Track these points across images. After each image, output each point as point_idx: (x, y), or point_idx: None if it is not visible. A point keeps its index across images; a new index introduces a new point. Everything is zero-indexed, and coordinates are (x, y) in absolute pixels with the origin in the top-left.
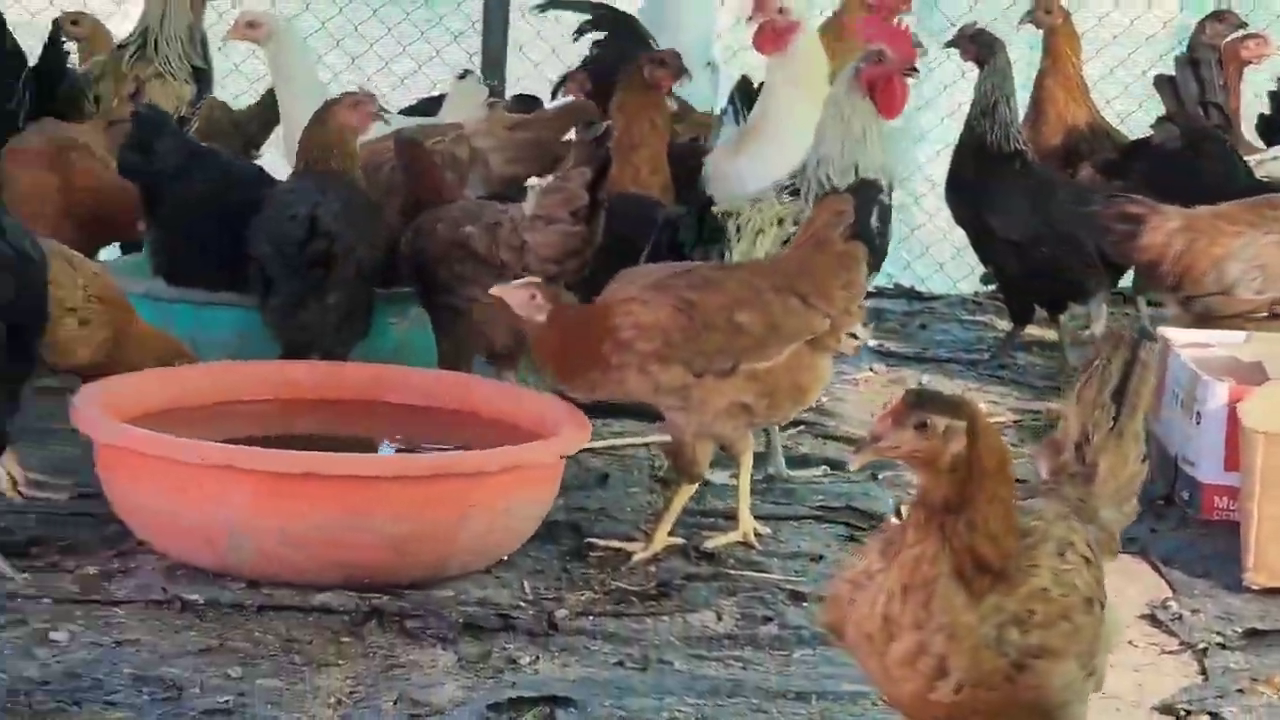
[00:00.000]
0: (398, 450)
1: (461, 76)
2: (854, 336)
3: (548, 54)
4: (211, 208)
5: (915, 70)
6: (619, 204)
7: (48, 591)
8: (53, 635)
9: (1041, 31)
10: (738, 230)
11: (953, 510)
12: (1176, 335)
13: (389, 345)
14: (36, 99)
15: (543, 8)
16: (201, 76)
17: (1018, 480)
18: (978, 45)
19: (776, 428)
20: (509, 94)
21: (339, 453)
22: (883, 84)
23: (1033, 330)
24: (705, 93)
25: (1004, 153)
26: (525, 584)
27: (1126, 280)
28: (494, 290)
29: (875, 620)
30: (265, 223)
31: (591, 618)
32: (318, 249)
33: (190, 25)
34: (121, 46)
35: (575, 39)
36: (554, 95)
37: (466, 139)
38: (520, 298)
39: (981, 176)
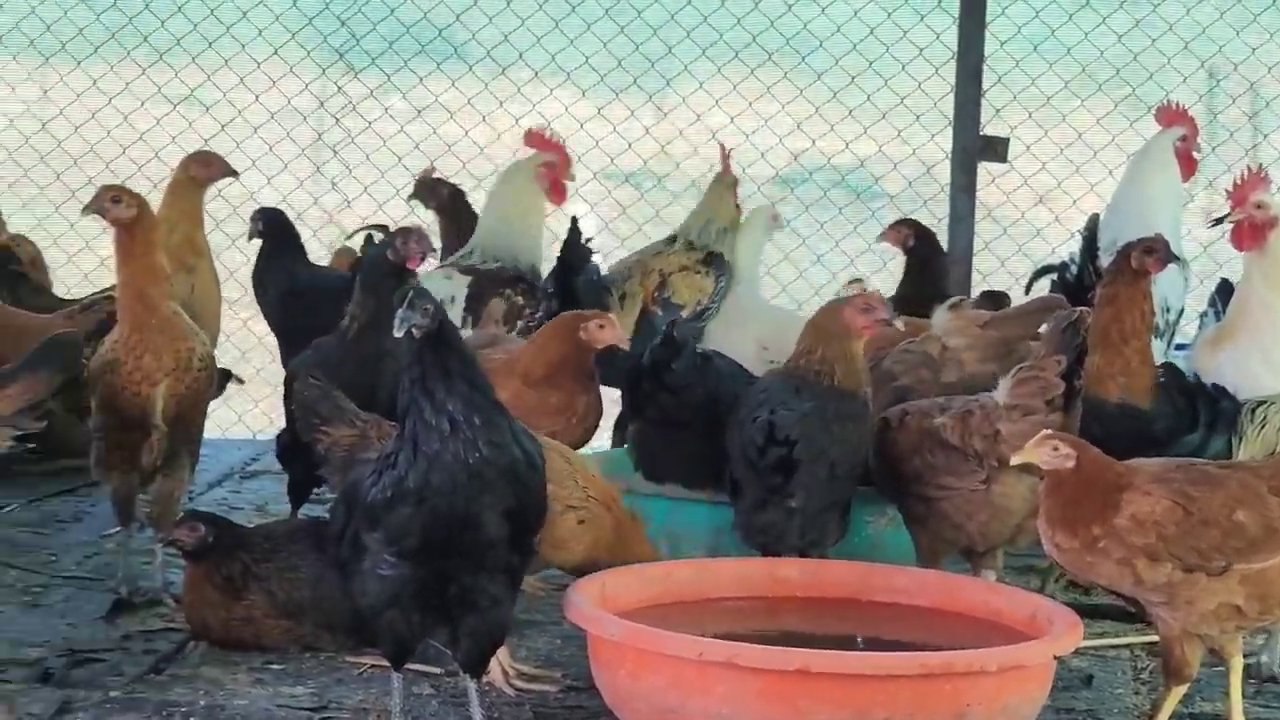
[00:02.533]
0: (872, 649)
1: None
2: None
3: (1013, 250)
4: (703, 412)
5: None
6: None
7: None
8: None
9: None
10: (1262, 423)
11: None
12: None
13: (864, 543)
14: (561, 293)
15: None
16: (722, 266)
17: None
18: None
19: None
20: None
21: (831, 650)
22: None
23: None
24: (1176, 288)
25: None
26: None
27: None
28: (1015, 458)
29: None
30: (734, 424)
31: None
32: (775, 455)
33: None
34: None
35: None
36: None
37: (938, 339)
38: (1043, 453)
39: None
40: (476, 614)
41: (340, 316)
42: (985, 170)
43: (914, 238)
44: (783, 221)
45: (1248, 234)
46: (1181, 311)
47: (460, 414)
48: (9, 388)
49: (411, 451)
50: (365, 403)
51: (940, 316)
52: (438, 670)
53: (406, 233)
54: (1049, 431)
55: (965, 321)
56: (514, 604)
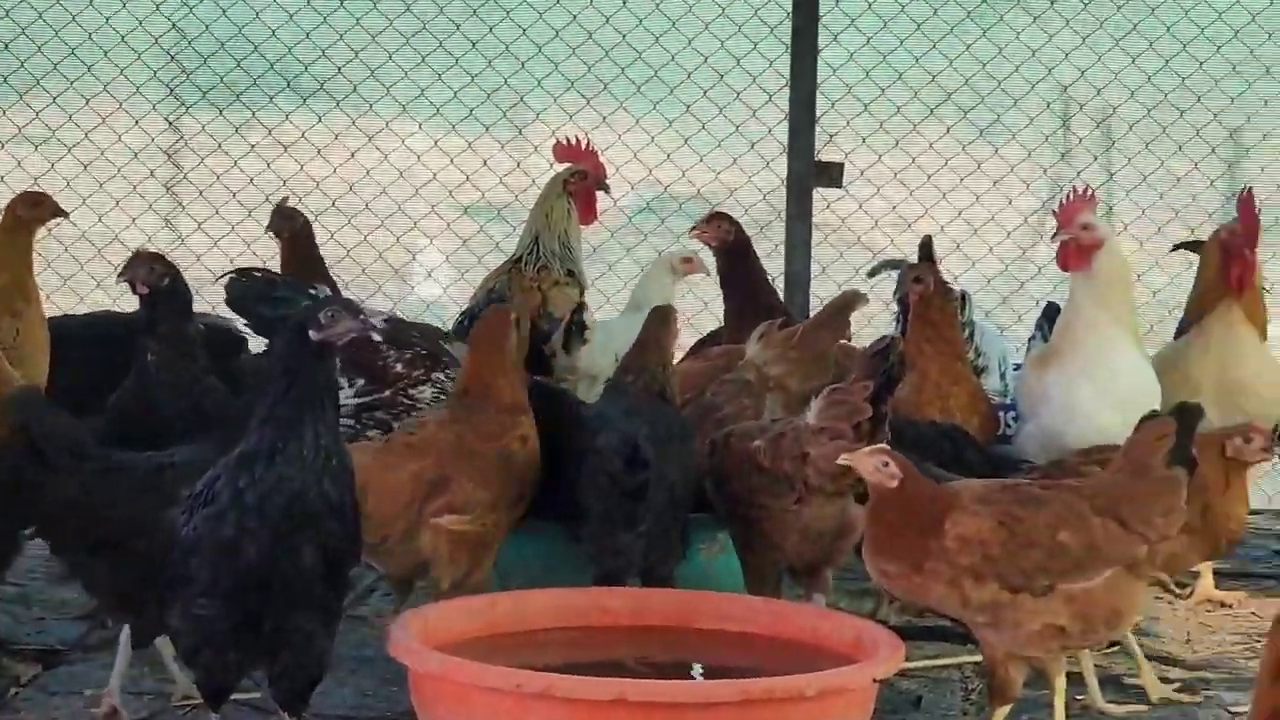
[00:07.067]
0: (707, 676)
1: None
2: None
3: (851, 276)
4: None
5: None
6: None
7: None
8: None
9: None
10: None
11: None
12: None
13: (696, 570)
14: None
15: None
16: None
17: None
18: None
19: (1088, 655)
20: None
21: (652, 679)
22: None
23: None
24: None
25: None
26: None
27: None
28: (843, 458)
29: None
30: (577, 450)
31: None
32: (634, 480)
33: (565, 229)
34: (517, 260)
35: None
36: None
37: (756, 365)
38: (869, 464)
39: None
40: (291, 650)
41: None
42: (821, 195)
43: (734, 232)
44: (702, 264)
45: (1074, 255)
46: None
47: (333, 447)
48: None
49: (262, 469)
50: None
51: (753, 346)
52: (258, 694)
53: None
54: (884, 447)
55: (778, 345)
56: (332, 640)
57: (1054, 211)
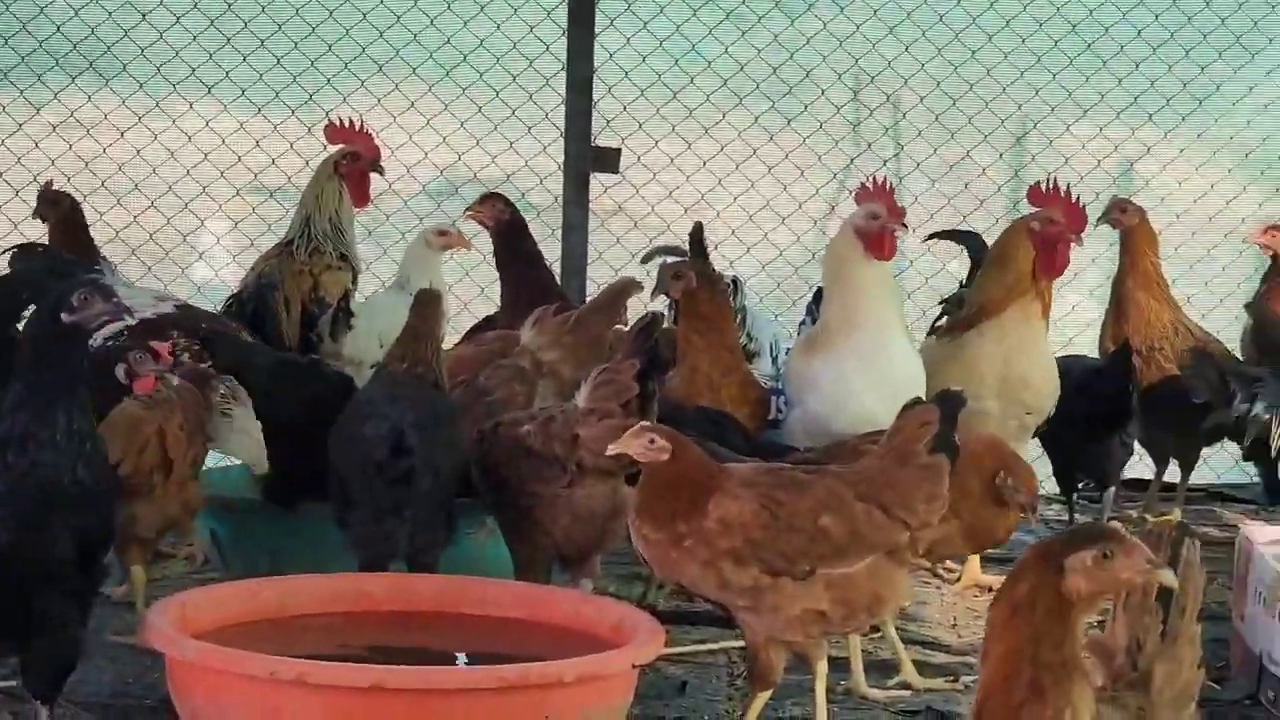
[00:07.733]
0: (472, 662)
1: None
2: None
3: (629, 260)
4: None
5: None
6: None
7: None
8: None
9: (1119, 231)
10: None
11: None
12: (1259, 533)
13: (466, 555)
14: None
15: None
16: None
17: None
18: None
19: (856, 639)
20: None
21: (410, 666)
22: None
23: None
24: None
25: None
26: None
27: None
28: (611, 448)
29: None
30: (344, 436)
31: None
32: (399, 467)
33: (337, 211)
34: (289, 244)
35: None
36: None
37: (531, 352)
38: (637, 445)
39: None
40: (43, 637)
41: None
42: (599, 180)
43: (509, 212)
44: (460, 239)
45: (889, 243)
46: None
47: (86, 431)
48: None
49: (14, 455)
50: None
51: (528, 332)
52: (13, 682)
53: None
54: (646, 424)
55: (552, 331)
56: (86, 626)
57: (851, 194)
